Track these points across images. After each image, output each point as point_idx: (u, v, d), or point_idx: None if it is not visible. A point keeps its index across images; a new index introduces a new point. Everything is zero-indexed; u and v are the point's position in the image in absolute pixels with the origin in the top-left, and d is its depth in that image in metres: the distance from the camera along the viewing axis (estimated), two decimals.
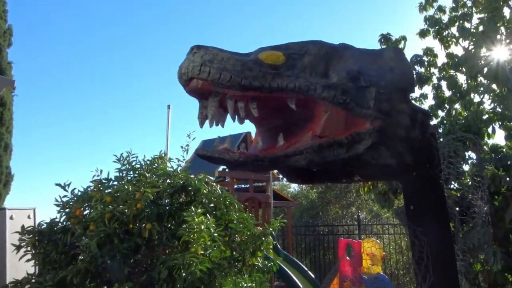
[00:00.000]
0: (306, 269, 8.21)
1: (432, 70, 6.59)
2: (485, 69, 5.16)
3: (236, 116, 1.51)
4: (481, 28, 5.56)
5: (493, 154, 5.60)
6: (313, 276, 8.08)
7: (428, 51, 6.58)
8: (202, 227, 2.91)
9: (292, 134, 1.76)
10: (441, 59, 6.69)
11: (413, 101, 6.27)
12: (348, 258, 7.53)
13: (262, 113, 1.57)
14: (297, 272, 7.83)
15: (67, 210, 3.45)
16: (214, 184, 3.90)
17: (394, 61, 1.73)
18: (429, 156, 1.77)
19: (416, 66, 6.27)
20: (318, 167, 1.76)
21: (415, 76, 6.13)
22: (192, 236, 2.93)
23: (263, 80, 1.46)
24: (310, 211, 18.04)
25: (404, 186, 1.89)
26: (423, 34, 6.54)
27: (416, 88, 6.29)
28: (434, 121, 6.09)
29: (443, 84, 6.17)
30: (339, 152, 1.69)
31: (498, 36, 5.08)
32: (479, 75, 5.52)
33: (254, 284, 3.23)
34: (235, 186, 11.04)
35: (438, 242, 1.59)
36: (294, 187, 24.11)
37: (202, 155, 1.45)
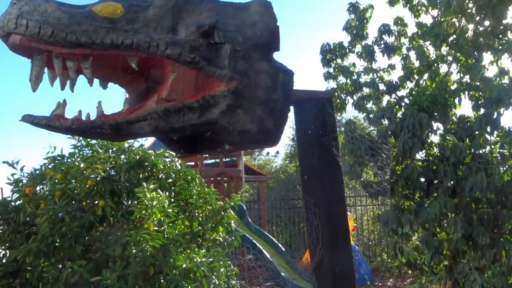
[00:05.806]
0: (277, 242, 8.41)
1: (402, 40, 6.48)
2: (450, 39, 5.12)
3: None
4: None
5: (460, 125, 5.60)
6: (283, 248, 8.31)
7: (398, 21, 6.43)
8: (154, 203, 2.84)
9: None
10: (412, 29, 6.58)
11: (381, 72, 6.28)
12: None
13: (117, 75, 1.44)
14: (267, 245, 7.96)
15: (20, 188, 3.37)
16: (176, 159, 3.81)
17: (258, 15, 1.59)
18: (322, 123, 1.68)
19: (384, 36, 6.16)
20: (169, 133, 1.63)
21: (382, 45, 6.04)
22: (144, 212, 2.86)
23: (94, 35, 1.30)
24: (287, 185, 18.14)
25: (299, 154, 1.81)
26: (392, 2, 6.39)
27: (385, 58, 6.19)
28: (402, 92, 6.04)
29: (412, 54, 6.09)
30: (190, 117, 1.53)
31: (469, 5, 5.02)
32: (444, 45, 5.46)
33: (212, 259, 3.19)
34: (207, 162, 10.92)
35: (329, 213, 1.54)
36: (277, 161, 24.08)
37: (29, 122, 1.29)
